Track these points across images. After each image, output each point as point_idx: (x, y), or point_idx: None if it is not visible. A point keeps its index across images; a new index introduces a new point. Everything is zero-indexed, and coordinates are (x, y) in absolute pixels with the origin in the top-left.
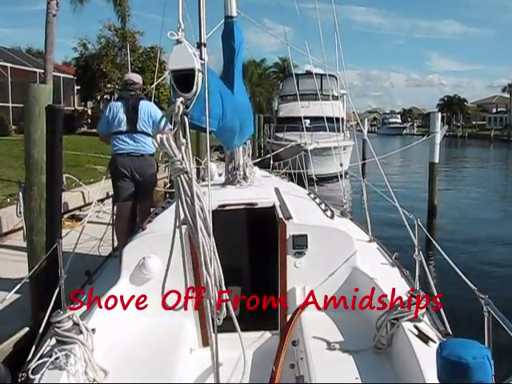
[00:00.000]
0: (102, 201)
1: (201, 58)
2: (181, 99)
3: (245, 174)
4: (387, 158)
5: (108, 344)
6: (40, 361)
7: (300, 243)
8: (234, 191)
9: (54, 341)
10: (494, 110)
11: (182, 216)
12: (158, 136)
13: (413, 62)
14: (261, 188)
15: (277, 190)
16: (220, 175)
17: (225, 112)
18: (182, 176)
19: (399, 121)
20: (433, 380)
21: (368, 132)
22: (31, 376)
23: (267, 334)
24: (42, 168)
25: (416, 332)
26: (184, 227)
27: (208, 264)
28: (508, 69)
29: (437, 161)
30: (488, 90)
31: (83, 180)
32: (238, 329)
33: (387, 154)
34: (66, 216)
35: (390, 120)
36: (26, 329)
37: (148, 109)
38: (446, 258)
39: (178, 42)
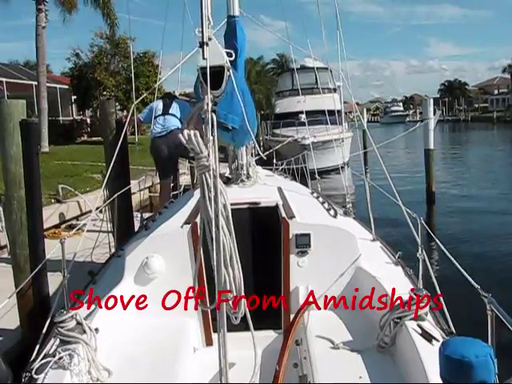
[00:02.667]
0: (99, 209)
1: (203, 58)
2: (210, 96)
3: (248, 173)
4: (389, 147)
5: (111, 343)
6: (43, 360)
7: (303, 242)
8: (237, 190)
9: (57, 340)
10: (496, 92)
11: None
12: (186, 132)
13: (412, 48)
14: (264, 187)
15: (280, 189)
16: (223, 174)
17: (246, 110)
18: (206, 173)
19: (401, 109)
20: (436, 379)
21: (370, 122)
22: (35, 376)
23: (270, 334)
24: (21, 182)
25: (419, 331)
26: (187, 227)
27: (228, 263)
28: (509, 49)
29: (432, 147)
30: (490, 71)
31: (80, 189)
32: (252, 328)
33: (382, 144)
34: (62, 226)
35: (392, 108)
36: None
37: (178, 102)
38: (450, 256)
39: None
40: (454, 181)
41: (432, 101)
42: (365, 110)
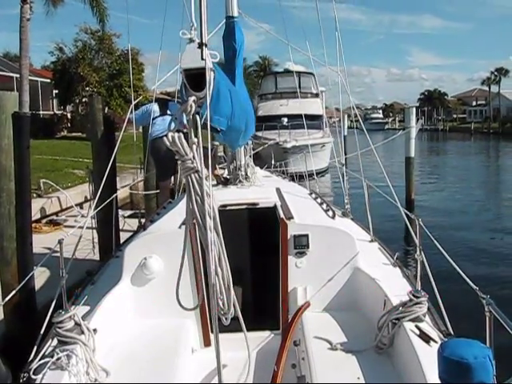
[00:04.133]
0: (80, 205)
1: (202, 58)
2: (193, 98)
3: (246, 174)
4: (366, 154)
5: (109, 344)
6: (42, 361)
7: (301, 243)
8: (235, 191)
9: (55, 341)
10: (474, 103)
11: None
12: (170, 134)
13: (393, 57)
14: (262, 188)
15: (278, 190)
16: (221, 175)
17: (233, 111)
18: (192, 175)
19: (381, 116)
20: (434, 380)
21: (350, 128)
22: (33, 376)
23: (269, 334)
24: (11, 174)
25: (417, 332)
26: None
27: (217, 263)
28: (487, 62)
29: (413, 155)
30: (468, 83)
31: (61, 184)
32: (244, 329)
33: (363, 150)
34: (43, 221)
35: (372, 115)
36: None
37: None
38: (448, 258)
39: (191, 40)
40: (432, 188)
41: (414, 110)
42: (346, 116)
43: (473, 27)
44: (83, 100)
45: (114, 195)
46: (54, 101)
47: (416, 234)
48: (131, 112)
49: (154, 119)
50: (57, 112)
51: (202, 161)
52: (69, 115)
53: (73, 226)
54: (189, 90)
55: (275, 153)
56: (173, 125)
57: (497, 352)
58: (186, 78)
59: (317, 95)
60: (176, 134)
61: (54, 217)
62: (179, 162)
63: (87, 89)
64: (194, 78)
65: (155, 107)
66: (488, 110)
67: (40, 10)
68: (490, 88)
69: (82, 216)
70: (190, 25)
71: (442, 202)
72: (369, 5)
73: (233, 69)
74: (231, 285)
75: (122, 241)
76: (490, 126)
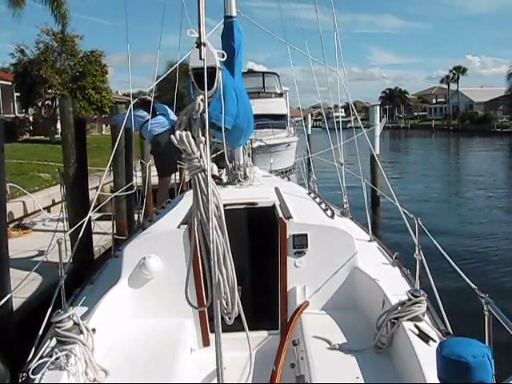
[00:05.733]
0: (48, 208)
1: (200, 58)
2: (201, 97)
3: (245, 173)
4: (330, 152)
5: (108, 344)
6: (40, 361)
7: (300, 243)
8: (234, 191)
9: (54, 341)
10: (434, 101)
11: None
12: (178, 133)
13: (354, 56)
14: (261, 188)
15: (277, 190)
16: (220, 175)
17: (238, 110)
18: (199, 174)
19: (343, 115)
20: (433, 379)
21: (313, 127)
22: (31, 376)
23: (267, 334)
24: None
25: (416, 331)
26: (184, 227)
27: (221, 262)
28: (445, 61)
29: (378, 152)
30: (427, 81)
31: (28, 188)
32: (246, 328)
33: (327, 149)
34: (11, 226)
35: (335, 114)
36: None
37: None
38: (447, 257)
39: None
40: (395, 184)
41: (378, 108)
42: (309, 115)
43: (431, 27)
44: (46, 103)
45: (113, 195)
46: (16, 104)
47: (415, 234)
48: (129, 112)
49: (147, 121)
50: (18, 115)
51: (210, 160)
52: (31, 118)
53: (42, 230)
54: (197, 89)
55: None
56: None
57: (496, 351)
58: (194, 77)
59: (281, 95)
60: (184, 133)
61: (23, 221)
62: (186, 161)
63: (50, 91)
64: (202, 77)
65: (140, 112)
66: (448, 107)
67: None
68: (449, 86)
69: (51, 220)
70: (197, 24)
71: (405, 195)
72: (331, 5)
73: (232, 68)
74: (235, 284)
75: (94, 243)
76: (450, 123)
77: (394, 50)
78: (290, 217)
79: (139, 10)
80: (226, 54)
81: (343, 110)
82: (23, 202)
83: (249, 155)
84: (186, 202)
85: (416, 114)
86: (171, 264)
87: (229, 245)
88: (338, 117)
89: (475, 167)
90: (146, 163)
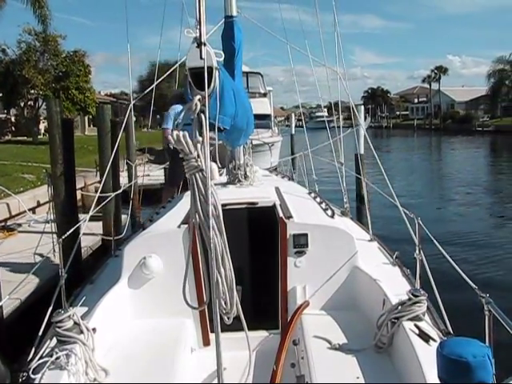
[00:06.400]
0: (33, 210)
1: (201, 58)
2: (198, 97)
3: (245, 173)
4: (317, 151)
5: (109, 344)
6: (41, 360)
7: (300, 242)
8: (234, 190)
9: (54, 340)
10: (416, 100)
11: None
12: (175, 133)
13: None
14: (261, 187)
15: (277, 190)
16: (221, 175)
17: (237, 110)
18: (196, 174)
19: (326, 114)
20: (434, 379)
21: (296, 127)
22: (32, 376)
23: (268, 334)
24: None
25: (417, 331)
26: (184, 227)
27: (219, 262)
28: (426, 60)
29: (362, 152)
30: (409, 80)
31: (12, 189)
32: (246, 328)
33: (314, 148)
34: None
35: (317, 114)
36: None
37: None
38: (447, 256)
39: (196, 39)
40: (379, 182)
41: (363, 107)
42: (293, 114)
43: (412, 27)
44: (28, 103)
45: (109, 199)
46: None
47: (415, 233)
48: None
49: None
50: (0, 116)
51: (208, 159)
52: (13, 119)
53: (28, 232)
54: (194, 88)
55: (224, 152)
56: (177, 123)
57: (496, 351)
58: (191, 77)
59: (265, 95)
60: (181, 132)
61: (7, 223)
62: (184, 161)
63: (32, 91)
64: (199, 77)
65: (178, 108)
66: (429, 106)
67: None
68: (430, 86)
69: (37, 221)
70: (195, 24)
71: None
72: (313, 5)
73: (232, 68)
74: (234, 284)
75: (82, 244)
76: (432, 122)
77: (376, 49)
78: (290, 216)
79: (121, 11)
80: (223, 54)
81: (326, 109)
82: (7, 204)
83: (249, 155)
84: (186, 201)
85: (398, 113)
86: (171, 264)
87: (227, 245)
88: (322, 116)
89: (456, 165)
90: (132, 163)
